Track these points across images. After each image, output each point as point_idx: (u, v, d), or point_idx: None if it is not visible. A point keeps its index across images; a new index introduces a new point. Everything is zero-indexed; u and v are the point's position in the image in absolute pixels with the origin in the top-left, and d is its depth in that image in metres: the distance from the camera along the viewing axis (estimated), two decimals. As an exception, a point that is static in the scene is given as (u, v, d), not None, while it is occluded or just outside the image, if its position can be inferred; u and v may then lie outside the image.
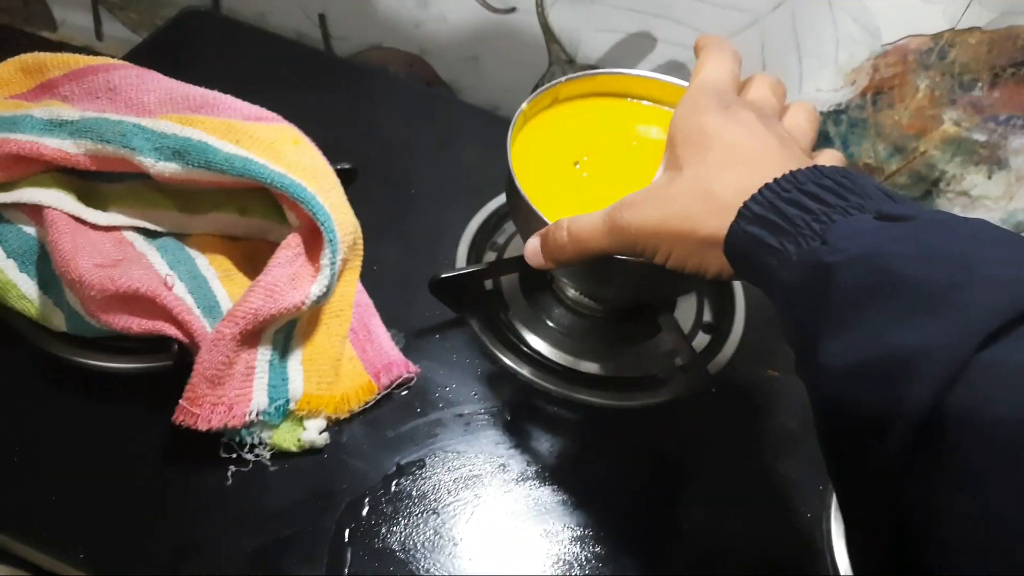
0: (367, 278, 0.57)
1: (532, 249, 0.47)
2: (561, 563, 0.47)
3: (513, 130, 0.51)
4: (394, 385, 0.53)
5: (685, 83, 0.52)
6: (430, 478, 0.50)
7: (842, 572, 0.48)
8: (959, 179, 0.71)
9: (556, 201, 0.50)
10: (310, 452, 0.50)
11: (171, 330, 0.48)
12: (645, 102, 0.57)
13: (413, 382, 0.54)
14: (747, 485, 0.53)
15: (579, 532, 0.48)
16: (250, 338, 0.48)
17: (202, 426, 0.46)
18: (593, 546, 0.48)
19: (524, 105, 0.52)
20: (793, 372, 0.35)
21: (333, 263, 0.50)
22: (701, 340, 0.60)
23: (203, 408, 0.46)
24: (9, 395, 0.50)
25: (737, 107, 0.42)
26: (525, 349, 0.57)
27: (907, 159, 0.71)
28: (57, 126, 0.50)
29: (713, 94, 0.43)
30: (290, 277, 0.49)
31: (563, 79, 0.55)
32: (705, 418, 0.55)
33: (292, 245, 0.51)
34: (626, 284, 0.51)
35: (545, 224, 0.46)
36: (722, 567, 0.49)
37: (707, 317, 0.61)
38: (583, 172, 0.53)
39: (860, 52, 0.65)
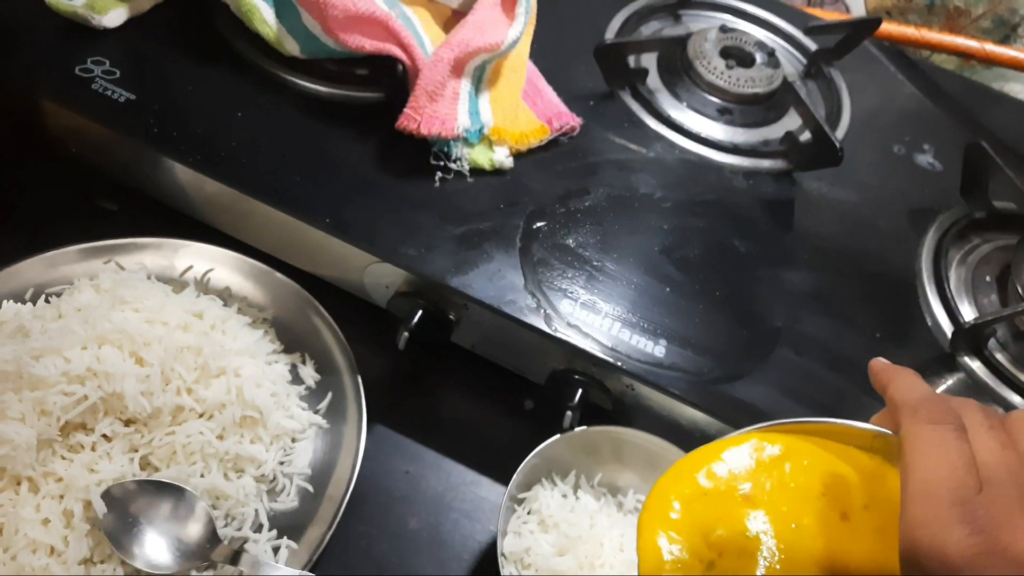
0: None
1: None
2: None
3: None
4: (561, 132, 0.62)
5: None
6: (594, 200, 0.60)
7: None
8: (1037, 24, 0.79)
9: None
10: (498, 173, 0.59)
11: (398, 51, 0.57)
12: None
13: (576, 132, 0.63)
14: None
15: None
16: (457, 67, 0.57)
17: (423, 130, 0.55)
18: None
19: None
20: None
21: (527, 12, 0.59)
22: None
23: (423, 117, 0.56)
24: (249, 108, 0.59)
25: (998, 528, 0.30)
26: (666, 117, 0.66)
27: (994, 2, 0.80)
28: None
29: (952, 504, 0.30)
30: (492, 20, 0.58)
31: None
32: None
33: (491, -5, 0.59)
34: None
35: None
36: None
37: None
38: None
39: None
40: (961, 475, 0.31)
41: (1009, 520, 0.30)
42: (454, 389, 0.61)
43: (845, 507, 0.37)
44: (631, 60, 0.68)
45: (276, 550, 0.49)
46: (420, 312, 0.54)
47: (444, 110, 0.56)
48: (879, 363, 0.40)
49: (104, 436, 0.48)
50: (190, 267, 0.58)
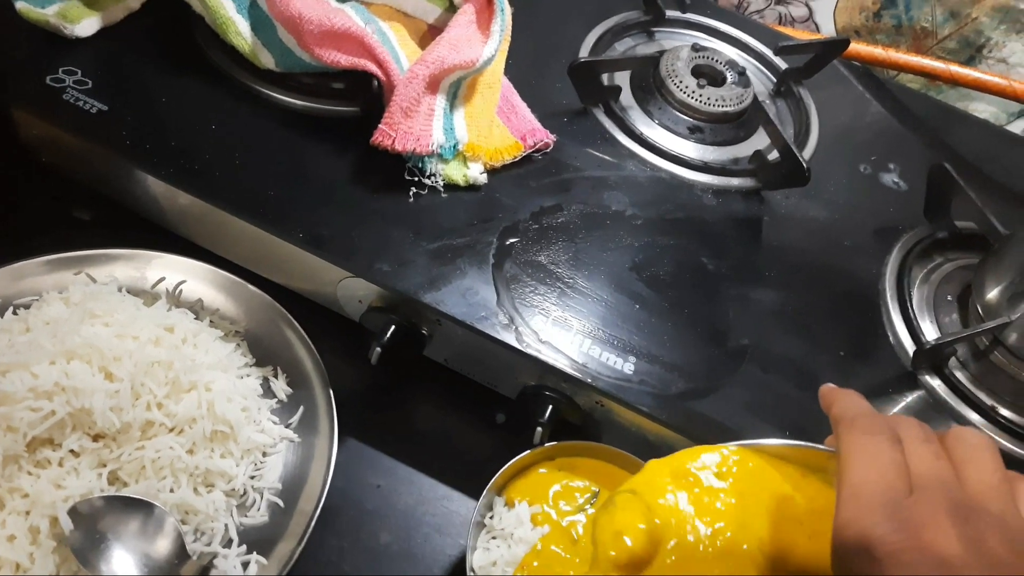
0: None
1: None
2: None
3: None
4: (535, 148, 0.63)
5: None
6: (566, 217, 0.60)
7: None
8: (1000, 46, 0.82)
9: None
10: (472, 188, 0.60)
11: (373, 67, 0.57)
12: None
13: (550, 149, 0.64)
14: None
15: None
16: (432, 84, 0.58)
17: (398, 146, 0.56)
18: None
19: None
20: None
21: (502, 30, 0.60)
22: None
23: (398, 133, 0.56)
24: (224, 120, 0.59)
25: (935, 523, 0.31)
26: (638, 134, 0.67)
27: (960, 24, 0.82)
28: None
29: (880, 505, 0.32)
30: (467, 38, 0.59)
31: None
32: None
33: (467, 12, 0.60)
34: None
35: None
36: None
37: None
38: None
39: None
40: (891, 479, 0.33)
41: (933, 520, 0.31)
42: (427, 402, 0.62)
43: (791, 524, 0.40)
44: (604, 78, 0.69)
45: (246, 565, 0.49)
46: (393, 327, 0.54)
47: (419, 126, 0.57)
48: (827, 387, 0.42)
49: (72, 451, 0.48)
50: (162, 279, 0.58)
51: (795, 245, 0.64)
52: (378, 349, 0.54)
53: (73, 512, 0.46)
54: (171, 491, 0.49)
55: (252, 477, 0.52)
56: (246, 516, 0.51)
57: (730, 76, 0.71)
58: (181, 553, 0.47)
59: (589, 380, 0.52)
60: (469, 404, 0.61)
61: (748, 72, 0.72)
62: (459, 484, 0.58)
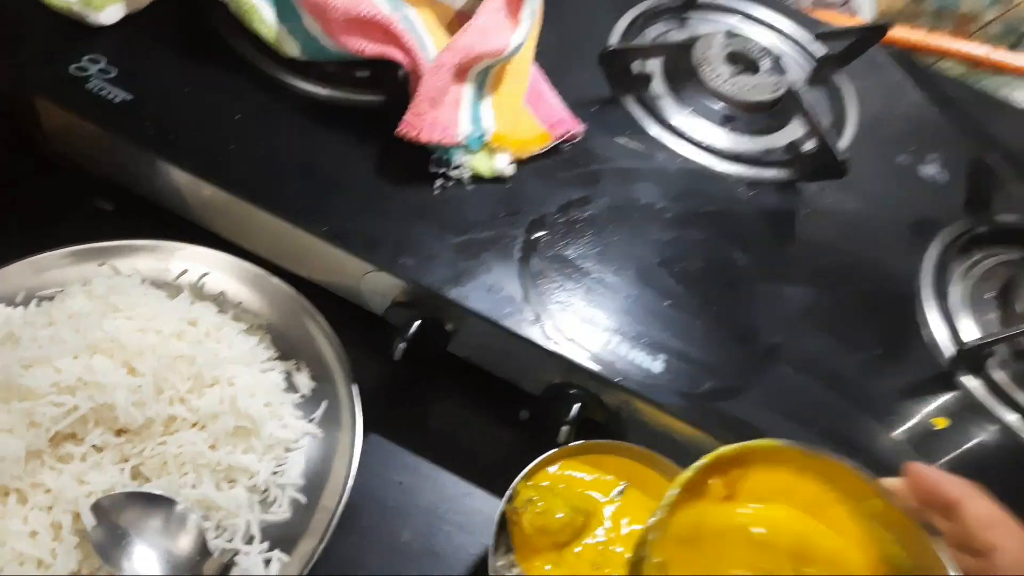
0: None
1: None
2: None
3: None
4: (563, 139, 0.61)
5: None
6: (595, 210, 0.59)
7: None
8: (1048, 32, 0.78)
9: None
10: (498, 180, 0.58)
11: (399, 55, 0.56)
12: None
13: (578, 138, 0.62)
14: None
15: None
16: (460, 73, 0.56)
17: (424, 138, 0.54)
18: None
19: None
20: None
21: (532, 15, 0.58)
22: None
23: (424, 124, 0.55)
24: (248, 110, 0.58)
25: None
26: (669, 124, 0.65)
27: (1005, 8, 0.78)
28: None
29: None
30: (496, 24, 0.57)
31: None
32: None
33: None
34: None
35: None
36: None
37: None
38: None
39: None
40: None
41: None
42: (449, 398, 0.61)
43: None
44: (635, 65, 0.67)
45: (267, 562, 0.49)
46: (417, 323, 0.53)
47: (445, 117, 0.55)
48: (922, 471, 0.39)
49: (94, 447, 0.47)
50: (185, 271, 0.57)
51: (830, 240, 0.63)
52: (402, 345, 0.53)
53: (96, 507, 0.45)
54: (193, 487, 0.49)
55: (274, 473, 0.52)
56: (268, 512, 0.51)
57: (765, 63, 0.69)
58: (203, 550, 0.47)
59: (617, 379, 0.51)
60: (492, 400, 0.60)
61: (784, 59, 0.70)
62: (482, 481, 0.57)
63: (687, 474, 0.39)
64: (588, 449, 0.52)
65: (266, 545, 0.49)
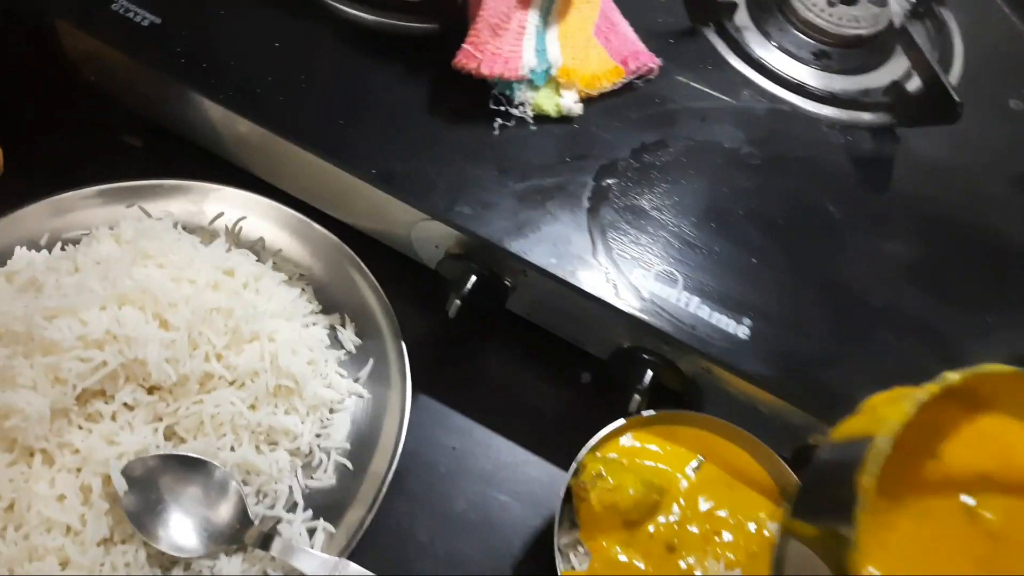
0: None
1: None
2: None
3: None
4: (637, 74, 0.55)
5: None
6: (672, 155, 0.53)
7: None
8: None
9: None
10: (564, 120, 0.53)
11: (457, -25, 0.49)
12: None
13: (654, 74, 0.56)
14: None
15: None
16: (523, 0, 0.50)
17: (484, 70, 0.49)
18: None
19: None
20: None
21: (606, -68, 0.51)
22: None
23: (484, 54, 0.49)
24: (289, 38, 0.53)
25: None
26: (755, 59, 0.58)
27: None
28: None
29: None
30: (564, -58, 0.51)
31: None
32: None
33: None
34: None
35: None
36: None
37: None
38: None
39: None
40: None
41: None
42: (505, 357, 0.56)
43: None
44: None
45: (312, 532, 0.45)
46: (473, 278, 0.48)
47: (508, 47, 0.49)
48: None
49: (125, 405, 0.43)
50: (220, 214, 0.53)
51: (934, 192, 0.56)
52: (457, 302, 0.48)
53: (127, 472, 0.42)
54: (232, 449, 0.45)
55: (318, 436, 0.48)
56: (312, 478, 0.47)
57: (864, -8, 0.61)
58: (243, 518, 0.43)
59: (697, 344, 0.46)
60: (551, 361, 0.55)
61: (883, -12, 0.62)
62: (540, 449, 0.52)
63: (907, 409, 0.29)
64: (661, 420, 0.47)
65: (310, 513, 0.46)
